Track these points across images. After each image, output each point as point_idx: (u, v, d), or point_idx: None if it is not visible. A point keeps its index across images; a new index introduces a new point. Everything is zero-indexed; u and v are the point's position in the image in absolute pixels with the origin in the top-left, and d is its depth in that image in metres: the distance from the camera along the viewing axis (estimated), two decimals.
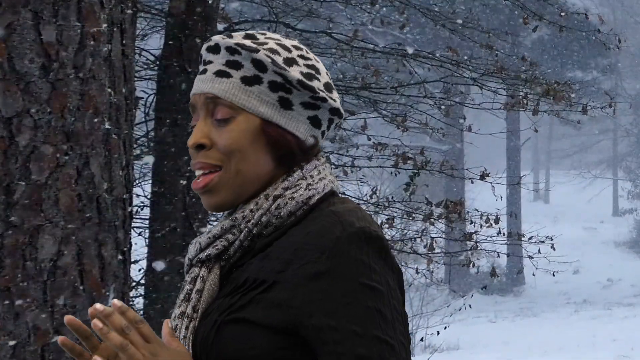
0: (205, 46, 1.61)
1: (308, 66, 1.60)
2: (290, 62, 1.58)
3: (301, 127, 1.58)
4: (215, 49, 1.59)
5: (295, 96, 1.56)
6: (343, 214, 1.49)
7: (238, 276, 1.54)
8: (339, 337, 1.42)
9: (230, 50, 1.57)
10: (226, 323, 1.48)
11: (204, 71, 1.59)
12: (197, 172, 1.58)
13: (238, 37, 1.59)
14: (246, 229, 1.55)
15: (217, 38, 1.60)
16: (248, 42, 1.58)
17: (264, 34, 1.62)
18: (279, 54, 1.57)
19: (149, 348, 1.43)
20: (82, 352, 1.52)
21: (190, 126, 1.62)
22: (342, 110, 1.62)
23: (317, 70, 1.61)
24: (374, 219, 1.54)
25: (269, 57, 1.56)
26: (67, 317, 1.47)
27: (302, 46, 1.63)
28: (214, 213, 7.77)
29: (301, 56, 1.60)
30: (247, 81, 1.56)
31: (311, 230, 1.49)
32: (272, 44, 1.59)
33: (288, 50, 1.59)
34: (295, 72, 1.56)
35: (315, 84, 1.58)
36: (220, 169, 1.56)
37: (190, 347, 1.53)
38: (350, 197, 1.64)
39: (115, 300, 1.44)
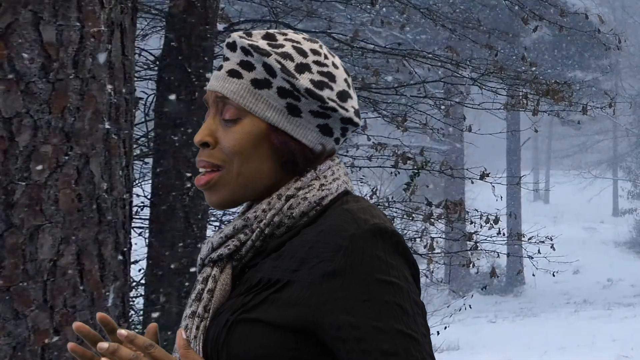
0: (225, 42, 1.59)
1: (322, 73, 1.56)
2: (302, 68, 1.54)
3: (309, 134, 1.55)
4: (233, 47, 1.57)
5: (303, 104, 1.53)
6: (357, 212, 1.48)
7: (252, 276, 1.53)
8: (361, 334, 1.40)
9: (245, 50, 1.55)
10: (237, 322, 1.48)
11: (220, 67, 1.58)
12: (201, 170, 1.58)
13: (256, 37, 1.57)
14: (258, 229, 1.54)
15: (235, 36, 1.58)
16: (262, 44, 1.55)
17: (285, 35, 1.59)
18: (292, 59, 1.54)
19: None
20: (93, 357, 1.52)
21: (205, 121, 1.61)
22: (355, 120, 1.58)
23: (332, 78, 1.57)
24: (387, 217, 1.53)
25: (280, 62, 1.53)
26: (76, 324, 1.47)
27: (322, 50, 1.59)
28: (214, 214, 7.77)
29: (317, 62, 1.56)
30: (257, 84, 1.54)
31: (325, 229, 1.47)
32: (287, 47, 1.55)
33: (304, 55, 1.56)
34: (304, 80, 1.53)
35: (325, 93, 1.55)
36: (222, 169, 1.55)
37: (201, 346, 1.52)
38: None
39: (122, 331, 1.43)
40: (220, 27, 7.09)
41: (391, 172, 9.12)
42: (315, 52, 1.57)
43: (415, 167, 8.54)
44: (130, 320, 3.17)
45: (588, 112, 10.03)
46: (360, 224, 1.45)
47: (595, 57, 25.33)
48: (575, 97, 10.33)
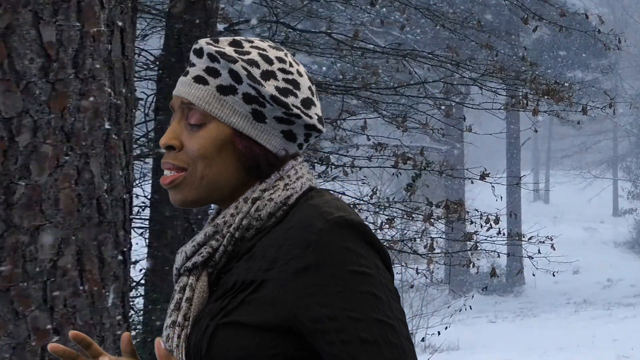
0: (192, 48, 1.63)
1: (287, 81, 1.59)
2: (268, 75, 1.58)
3: (273, 140, 1.59)
4: (199, 53, 1.60)
5: (268, 110, 1.57)
6: (322, 206, 1.52)
7: (227, 280, 1.55)
8: (339, 325, 1.44)
9: (211, 57, 1.58)
10: (218, 327, 1.50)
11: (187, 73, 1.61)
12: (165, 172, 1.62)
13: (223, 43, 1.60)
14: (228, 234, 1.57)
15: (202, 42, 1.61)
16: (229, 51, 1.58)
17: (251, 42, 1.62)
18: (257, 66, 1.57)
19: None
20: (78, 356, 1.54)
21: (170, 124, 1.65)
22: (319, 127, 1.62)
23: (297, 86, 1.60)
24: (352, 209, 1.56)
25: (246, 69, 1.56)
26: (51, 345, 1.50)
27: (287, 58, 1.62)
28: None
29: (282, 70, 1.60)
30: (223, 90, 1.57)
31: (292, 226, 1.51)
32: (254, 55, 1.59)
33: (269, 62, 1.59)
34: (269, 87, 1.56)
35: (290, 100, 1.58)
36: (187, 170, 1.59)
37: (183, 354, 1.54)
38: (336, 194, 1.65)
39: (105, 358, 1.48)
40: (220, 27, 7.09)
41: (392, 173, 9.12)
42: (280, 59, 1.60)
43: (415, 168, 8.53)
44: (130, 320, 3.17)
45: (588, 112, 10.03)
46: (327, 217, 1.49)
47: (595, 57, 25.32)
48: (575, 97, 10.33)
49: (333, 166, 8.68)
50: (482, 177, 9.04)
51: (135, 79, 4.73)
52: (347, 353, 1.43)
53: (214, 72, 1.58)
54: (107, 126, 2.81)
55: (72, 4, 2.72)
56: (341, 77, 9.42)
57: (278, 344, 1.47)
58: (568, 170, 39.17)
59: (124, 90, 2.92)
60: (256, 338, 1.47)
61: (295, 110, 1.58)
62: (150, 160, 6.95)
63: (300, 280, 1.46)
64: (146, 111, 7.30)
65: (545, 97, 8.95)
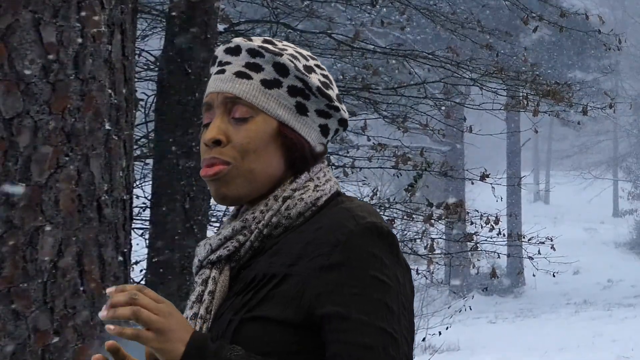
0: (223, 48, 1.65)
1: (324, 76, 1.65)
2: (309, 69, 1.62)
3: (312, 133, 1.62)
4: (235, 51, 1.62)
5: (311, 103, 1.61)
6: (355, 209, 1.54)
7: (246, 275, 1.57)
8: (347, 326, 1.46)
9: (252, 52, 1.61)
10: (242, 322, 1.51)
11: (222, 71, 1.62)
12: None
13: (258, 41, 1.63)
14: (257, 230, 1.58)
15: (237, 40, 1.64)
16: (270, 46, 1.62)
17: (280, 41, 1.67)
18: (299, 60, 1.62)
19: (162, 307, 1.46)
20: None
21: (203, 124, 1.65)
22: (348, 122, 1.67)
23: (331, 81, 1.66)
24: (381, 216, 1.59)
25: (292, 62, 1.60)
26: (108, 343, 1.51)
27: (315, 57, 1.68)
28: (214, 214, 7.77)
29: (317, 66, 1.65)
30: (267, 84, 1.60)
31: (323, 226, 1.53)
32: (291, 51, 1.63)
33: (306, 58, 1.64)
34: (315, 79, 1.61)
35: (330, 92, 1.63)
36: (232, 164, 1.59)
37: None
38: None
39: (109, 289, 1.46)
40: (220, 27, 7.09)
41: (393, 174, 9.12)
42: (311, 57, 1.67)
43: (416, 168, 8.53)
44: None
45: (588, 112, 10.02)
46: (359, 220, 1.51)
47: (596, 58, 25.31)
48: (575, 97, 10.32)
49: (333, 167, 8.68)
50: (482, 177, 9.04)
51: (136, 80, 4.73)
52: (347, 354, 1.45)
53: (255, 67, 1.60)
54: (107, 127, 2.81)
55: (72, 4, 2.72)
56: (341, 77, 9.41)
57: (301, 339, 1.49)
58: (568, 170, 39.13)
59: (124, 91, 2.92)
60: (279, 333, 1.49)
61: (336, 103, 1.63)
62: (150, 161, 6.94)
63: (323, 277, 1.48)
64: (146, 112, 7.29)
65: (546, 98, 8.94)
